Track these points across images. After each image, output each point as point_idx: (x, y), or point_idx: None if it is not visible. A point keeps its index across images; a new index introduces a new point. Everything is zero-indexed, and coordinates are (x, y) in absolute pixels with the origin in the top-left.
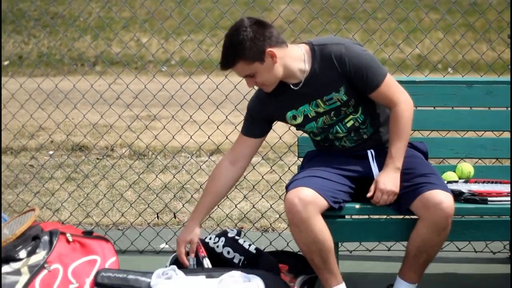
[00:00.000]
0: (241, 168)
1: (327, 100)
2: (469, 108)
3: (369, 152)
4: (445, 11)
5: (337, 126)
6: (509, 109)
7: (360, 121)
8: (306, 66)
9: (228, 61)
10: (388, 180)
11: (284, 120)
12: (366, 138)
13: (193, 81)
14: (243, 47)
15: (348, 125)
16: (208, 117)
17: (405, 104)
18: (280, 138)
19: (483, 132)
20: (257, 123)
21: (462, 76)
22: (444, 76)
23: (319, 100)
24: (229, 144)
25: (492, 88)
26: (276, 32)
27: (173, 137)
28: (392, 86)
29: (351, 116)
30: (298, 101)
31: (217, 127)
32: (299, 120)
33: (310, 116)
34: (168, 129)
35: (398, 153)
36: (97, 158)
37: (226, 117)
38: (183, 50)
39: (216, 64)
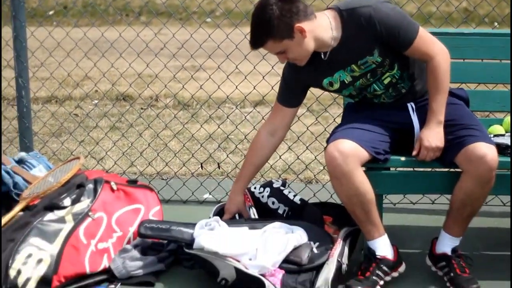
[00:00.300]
0: (280, 138)
1: (362, 64)
2: None
3: (409, 105)
4: None
5: (374, 85)
6: None
7: (397, 77)
8: (335, 33)
9: (257, 41)
10: (432, 136)
11: (320, 87)
12: (405, 92)
13: (240, 32)
14: (270, 26)
15: (386, 82)
16: (254, 67)
17: (441, 55)
18: None
19: None
20: (291, 91)
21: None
22: (492, 28)
23: (353, 65)
24: (274, 95)
25: None
26: (303, 6)
27: (218, 87)
28: (427, 40)
29: (387, 74)
30: (332, 68)
31: (263, 77)
32: (336, 86)
33: (346, 82)
34: (213, 80)
35: (439, 106)
36: (142, 108)
37: (272, 67)
38: (229, 0)
39: None
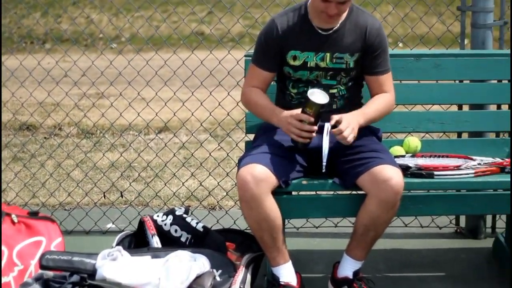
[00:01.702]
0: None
1: (337, 58)
2: (417, 82)
3: (326, 125)
4: None
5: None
6: (457, 81)
7: (340, 94)
8: (338, 21)
9: None
10: (352, 119)
11: (285, 56)
12: (333, 110)
13: (142, 58)
14: None
15: (330, 91)
16: (156, 93)
17: (393, 97)
18: (228, 114)
19: (430, 105)
20: (270, 53)
21: (411, 49)
22: (393, 49)
23: (328, 54)
24: (177, 121)
25: (439, 61)
26: None
27: (120, 114)
28: (392, 81)
29: (338, 86)
30: (308, 46)
31: (165, 104)
32: (297, 62)
33: (308, 65)
34: (116, 107)
35: (369, 114)
36: (45, 137)
37: (174, 93)
38: (132, 25)
39: (165, 39)
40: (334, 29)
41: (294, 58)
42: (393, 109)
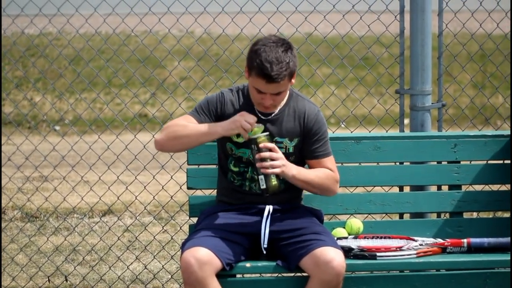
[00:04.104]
0: None
1: (277, 142)
2: (358, 164)
3: (267, 208)
4: (334, 66)
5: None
6: (398, 163)
7: (281, 179)
8: (277, 108)
9: (279, 75)
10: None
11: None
12: (276, 192)
13: (84, 141)
14: (294, 63)
15: None
16: (100, 177)
17: (336, 175)
18: (171, 197)
19: (372, 187)
20: (207, 114)
21: (351, 132)
22: (334, 132)
23: (269, 137)
24: (121, 204)
25: (380, 143)
26: None
27: (64, 198)
28: (335, 164)
29: None
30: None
31: (109, 187)
32: (240, 140)
33: None
34: (59, 190)
35: (305, 172)
36: None
37: (118, 177)
38: (74, 110)
39: (107, 124)
40: (273, 114)
41: (238, 135)
42: (336, 188)
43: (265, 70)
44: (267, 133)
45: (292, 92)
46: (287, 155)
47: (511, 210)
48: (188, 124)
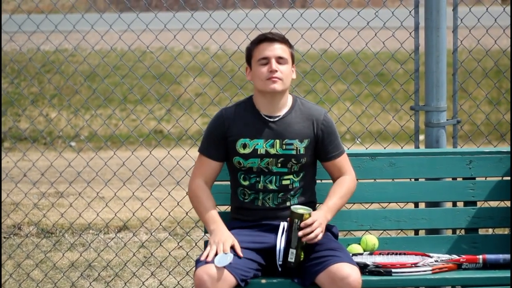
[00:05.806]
0: (210, 188)
1: (287, 144)
2: (373, 180)
3: (282, 224)
4: (350, 83)
5: (273, 177)
6: (413, 180)
7: (294, 186)
8: (284, 110)
9: (278, 37)
10: (320, 216)
11: (234, 145)
12: (288, 206)
13: (100, 157)
14: (291, 45)
15: (283, 183)
16: (115, 194)
17: (353, 177)
18: (187, 213)
19: (387, 203)
20: (215, 142)
21: (366, 148)
22: (349, 148)
23: (278, 141)
24: (137, 221)
25: (395, 159)
26: None
27: (80, 214)
28: (348, 160)
29: (290, 176)
30: (257, 133)
31: (124, 203)
32: (247, 150)
33: (258, 152)
34: (75, 206)
35: (334, 206)
36: (4, 237)
37: (133, 193)
38: (89, 126)
39: (123, 140)
40: (280, 116)
41: (244, 146)
42: (355, 186)
43: (262, 35)
44: (311, 210)
45: (295, 97)
46: (298, 157)
47: (511, 227)
48: (200, 200)
